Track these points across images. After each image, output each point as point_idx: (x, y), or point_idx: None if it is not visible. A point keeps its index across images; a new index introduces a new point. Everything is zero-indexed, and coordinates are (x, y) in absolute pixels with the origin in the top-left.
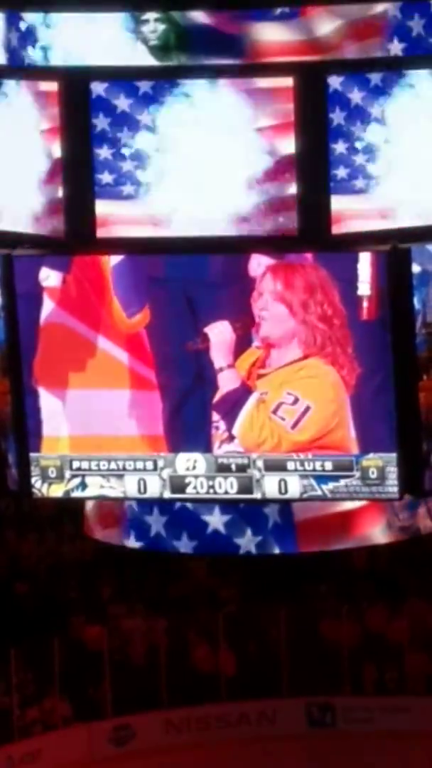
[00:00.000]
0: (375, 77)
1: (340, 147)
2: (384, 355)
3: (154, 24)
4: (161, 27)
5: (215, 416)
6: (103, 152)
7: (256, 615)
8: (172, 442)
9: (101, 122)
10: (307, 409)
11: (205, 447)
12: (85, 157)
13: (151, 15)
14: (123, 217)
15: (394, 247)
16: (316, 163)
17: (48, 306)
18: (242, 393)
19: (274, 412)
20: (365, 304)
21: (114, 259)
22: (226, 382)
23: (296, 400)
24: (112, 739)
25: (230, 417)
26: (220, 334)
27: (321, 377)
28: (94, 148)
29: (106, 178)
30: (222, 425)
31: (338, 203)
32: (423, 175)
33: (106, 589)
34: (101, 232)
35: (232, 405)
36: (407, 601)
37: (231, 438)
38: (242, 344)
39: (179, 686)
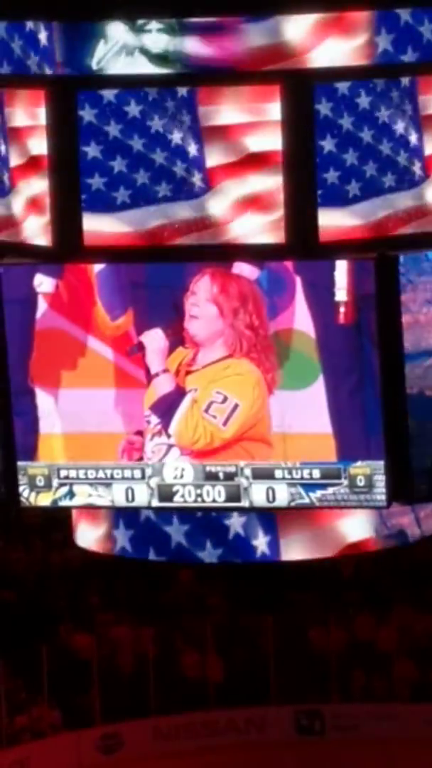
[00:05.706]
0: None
1: (328, 147)
2: (359, 356)
3: (156, 34)
4: (163, 36)
5: (147, 412)
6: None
7: (244, 623)
8: None
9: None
10: (236, 406)
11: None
12: (73, 165)
13: (153, 25)
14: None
15: (381, 255)
16: (303, 171)
17: (42, 309)
18: (176, 395)
19: (206, 411)
20: (342, 309)
21: (98, 266)
22: (162, 385)
23: (225, 399)
24: (101, 747)
25: (166, 418)
26: (153, 341)
27: (245, 375)
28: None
29: (96, 182)
30: (153, 419)
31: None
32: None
33: (95, 597)
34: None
35: (168, 406)
36: (394, 609)
37: (160, 432)
38: (173, 347)
39: (167, 694)
